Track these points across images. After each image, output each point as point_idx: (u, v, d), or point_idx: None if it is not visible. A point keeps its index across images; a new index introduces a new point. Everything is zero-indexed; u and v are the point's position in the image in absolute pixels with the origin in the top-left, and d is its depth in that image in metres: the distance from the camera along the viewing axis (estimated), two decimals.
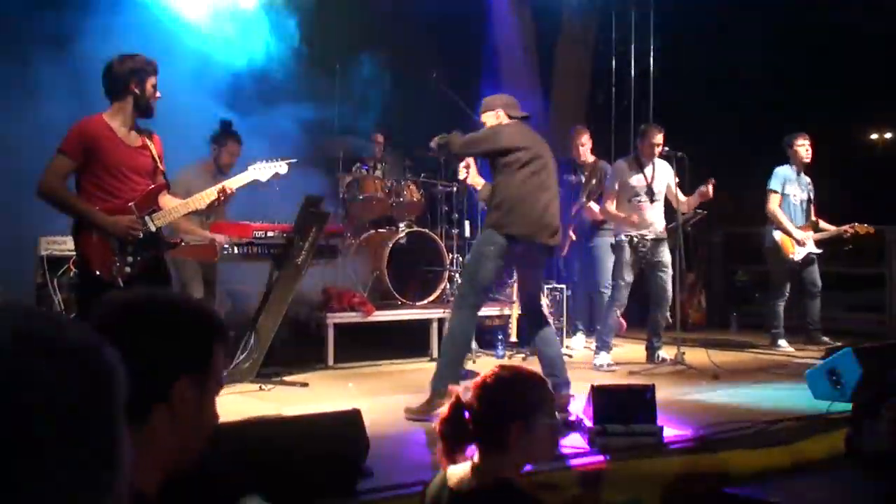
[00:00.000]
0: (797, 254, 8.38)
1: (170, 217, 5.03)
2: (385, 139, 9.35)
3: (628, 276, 7.54)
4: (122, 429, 0.90)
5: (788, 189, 8.47)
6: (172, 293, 1.68)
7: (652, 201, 7.61)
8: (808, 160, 8.52)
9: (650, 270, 7.64)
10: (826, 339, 8.40)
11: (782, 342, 8.53)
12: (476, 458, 2.51)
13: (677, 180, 7.71)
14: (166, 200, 5.04)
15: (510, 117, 5.92)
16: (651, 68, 11.68)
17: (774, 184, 8.47)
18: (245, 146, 7.16)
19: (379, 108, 9.30)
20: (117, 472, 0.88)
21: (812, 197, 8.60)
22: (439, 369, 5.58)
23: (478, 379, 2.59)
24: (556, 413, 2.65)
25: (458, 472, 2.53)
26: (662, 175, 7.70)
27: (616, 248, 7.70)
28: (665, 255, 7.64)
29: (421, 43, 9.70)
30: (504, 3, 11.40)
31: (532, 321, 6.03)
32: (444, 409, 2.55)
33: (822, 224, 8.56)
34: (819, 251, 8.47)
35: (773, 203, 8.43)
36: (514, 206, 5.60)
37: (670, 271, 7.62)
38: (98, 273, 4.67)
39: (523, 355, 8.08)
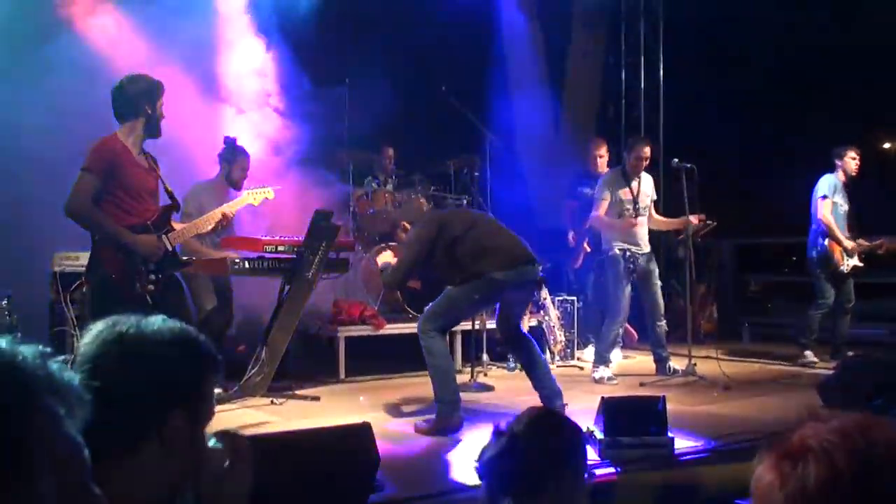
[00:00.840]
0: (847, 264, 8.29)
1: (182, 237, 5.17)
2: (395, 152, 9.37)
3: (626, 289, 7.53)
4: (36, 438, 0.90)
5: (836, 198, 8.35)
6: (161, 324, 1.66)
7: (638, 216, 7.59)
8: (855, 174, 8.44)
9: (642, 284, 7.62)
10: (850, 352, 8.25)
11: (808, 353, 8.38)
12: None
13: (656, 194, 7.71)
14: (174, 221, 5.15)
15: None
16: (661, 79, 11.70)
17: (827, 190, 8.30)
18: (256, 159, 7.22)
19: (389, 120, 9.32)
20: (31, 481, 0.88)
21: (849, 208, 8.49)
22: (436, 390, 5.59)
23: (523, 417, 2.43)
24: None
25: None
26: (647, 189, 7.73)
27: (611, 261, 7.61)
28: (654, 267, 7.67)
29: (431, 56, 9.73)
30: (513, 16, 11.43)
31: (514, 344, 6.12)
32: (494, 447, 2.35)
33: (860, 241, 8.43)
34: (861, 264, 8.37)
35: (827, 210, 8.25)
36: (484, 252, 5.58)
37: (659, 282, 7.68)
38: (123, 288, 4.72)
39: None
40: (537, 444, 2.33)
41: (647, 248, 7.65)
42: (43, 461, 0.89)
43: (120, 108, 4.91)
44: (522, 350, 5.94)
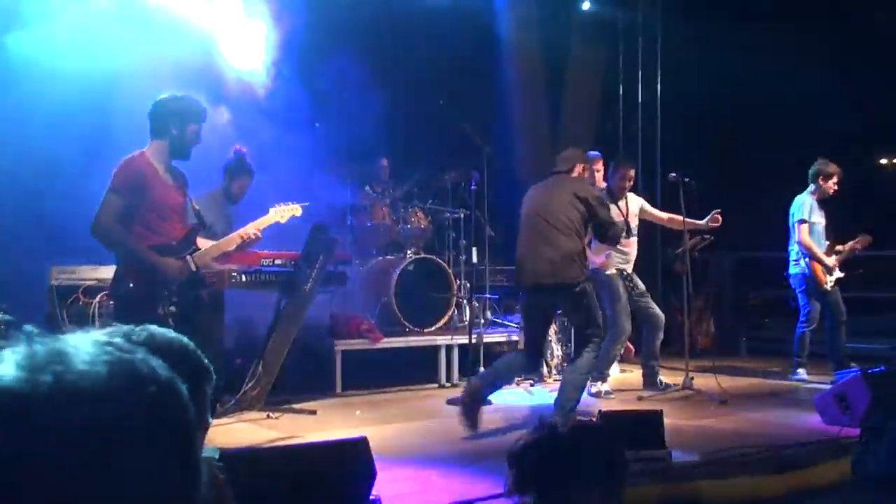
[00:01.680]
0: (829, 282, 8.26)
1: (207, 258, 5.07)
2: (389, 163, 9.37)
3: (625, 308, 7.52)
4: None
5: (814, 217, 8.36)
6: (163, 334, 1.67)
7: (629, 236, 7.58)
8: (830, 195, 8.39)
9: (636, 301, 7.61)
10: (853, 365, 8.21)
11: (801, 371, 8.39)
12: None
13: (647, 208, 7.73)
14: (200, 240, 5.10)
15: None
16: (658, 94, 11.73)
17: (804, 214, 8.30)
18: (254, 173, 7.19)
19: (387, 133, 9.34)
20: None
21: (826, 223, 8.49)
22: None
23: (572, 420, 2.34)
24: None
25: None
26: (634, 209, 7.76)
27: (606, 282, 7.52)
28: (640, 283, 7.71)
29: (429, 69, 9.75)
30: (513, 30, 11.46)
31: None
32: (532, 436, 2.27)
33: (838, 248, 8.43)
34: (842, 274, 8.35)
35: (805, 234, 8.25)
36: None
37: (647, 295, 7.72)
38: (145, 309, 4.69)
39: (531, 381, 8.06)
40: (576, 447, 2.24)
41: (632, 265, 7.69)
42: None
43: (151, 124, 4.90)
44: (574, 350, 6.41)
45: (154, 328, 1.67)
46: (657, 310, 7.64)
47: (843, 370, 7.99)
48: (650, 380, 7.63)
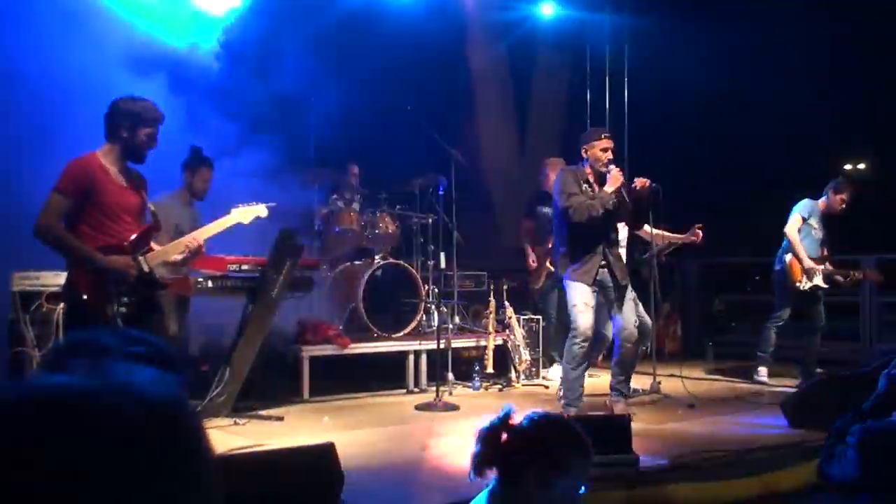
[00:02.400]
0: (804, 283, 8.23)
1: (161, 258, 5.00)
2: (360, 170, 9.35)
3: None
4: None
5: (812, 221, 8.37)
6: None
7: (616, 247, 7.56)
8: (836, 212, 8.42)
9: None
10: (820, 370, 8.24)
11: (762, 370, 8.44)
12: (494, 486, 2.40)
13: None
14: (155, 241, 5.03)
15: None
16: (626, 100, 11.80)
17: (802, 210, 8.34)
18: (219, 176, 7.13)
19: (355, 139, 9.31)
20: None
21: (825, 237, 8.48)
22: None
23: (534, 413, 2.49)
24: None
25: None
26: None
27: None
28: (630, 290, 7.60)
29: (397, 75, 9.75)
30: (479, 37, 11.49)
31: None
32: (491, 421, 2.46)
33: (828, 265, 8.38)
34: (826, 286, 8.32)
35: (794, 226, 8.31)
36: None
37: (640, 304, 7.60)
38: (93, 311, 4.63)
39: (499, 387, 8.07)
40: (530, 434, 2.40)
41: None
42: None
43: (104, 125, 4.83)
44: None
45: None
46: (645, 317, 7.50)
47: (809, 373, 8.06)
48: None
